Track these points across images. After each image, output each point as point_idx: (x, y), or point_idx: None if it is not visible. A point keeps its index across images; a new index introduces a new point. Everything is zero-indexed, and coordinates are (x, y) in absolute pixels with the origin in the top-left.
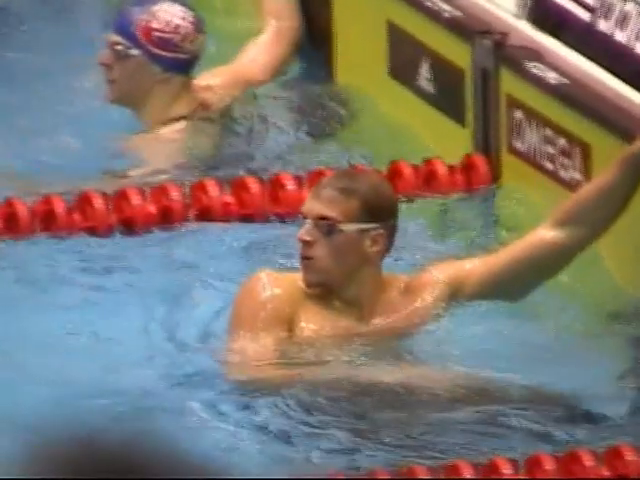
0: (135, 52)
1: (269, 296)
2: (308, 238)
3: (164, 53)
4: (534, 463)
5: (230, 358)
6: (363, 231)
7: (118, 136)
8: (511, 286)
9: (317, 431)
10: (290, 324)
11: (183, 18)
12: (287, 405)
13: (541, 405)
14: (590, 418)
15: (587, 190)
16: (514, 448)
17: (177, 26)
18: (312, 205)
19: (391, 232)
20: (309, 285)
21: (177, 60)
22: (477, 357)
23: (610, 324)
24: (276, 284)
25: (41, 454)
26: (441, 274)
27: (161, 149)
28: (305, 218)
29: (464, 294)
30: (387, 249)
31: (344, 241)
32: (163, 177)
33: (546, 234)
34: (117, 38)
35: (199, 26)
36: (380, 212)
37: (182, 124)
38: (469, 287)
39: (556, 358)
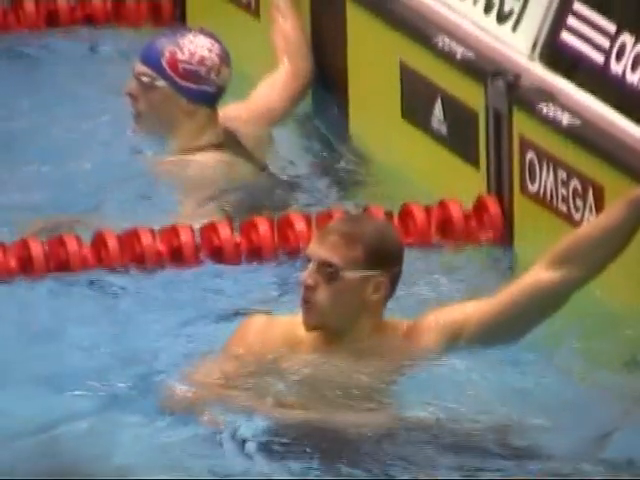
0: (161, 83)
1: (256, 341)
2: (310, 282)
3: (190, 85)
4: None
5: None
6: (365, 278)
7: (151, 159)
8: (509, 327)
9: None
10: (276, 367)
11: (210, 50)
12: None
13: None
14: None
15: (588, 229)
16: None
17: (203, 58)
18: (316, 249)
19: (394, 279)
20: (308, 328)
21: (203, 92)
22: (468, 401)
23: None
24: (268, 328)
25: None
26: (439, 319)
27: (199, 175)
28: (309, 260)
29: (463, 338)
30: (390, 295)
31: (345, 287)
32: (209, 206)
33: (542, 274)
34: (143, 69)
35: (225, 58)
36: (384, 260)
37: (218, 153)
38: (467, 331)
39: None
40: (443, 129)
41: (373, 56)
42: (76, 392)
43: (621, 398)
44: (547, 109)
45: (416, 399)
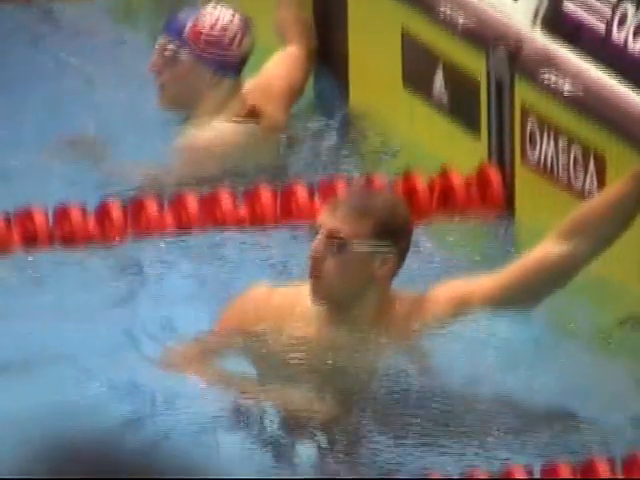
0: (184, 55)
1: (257, 309)
2: (318, 253)
3: (213, 55)
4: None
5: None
6: (373, 252)
7: (174, 133)
8: (517, 302)
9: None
10: (272, 335)
11: (231, 20)
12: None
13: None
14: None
15: (595, 203)
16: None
17: (225, 28)
18: (326, 220)
19: (402, 254)
20: (315, 300)
21: (226, 62)
22: (473, 373)
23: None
24: (270, 299)
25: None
26: (447, 292)
27: (218, 149)
28: (317, 231)
29: (469, 312)
30: (397, 269)
31: (353, 260)
32: (218, 180)
33: (552, 248)
34: (166, 42)
35: (246, 28)
36: (393, 234)
37: (240, 126)
38: (475, 305)
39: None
40: (444, 98)
41: (374, 25)
42: (86, 366)
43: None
44: (549, 77)
45: (420, 372)
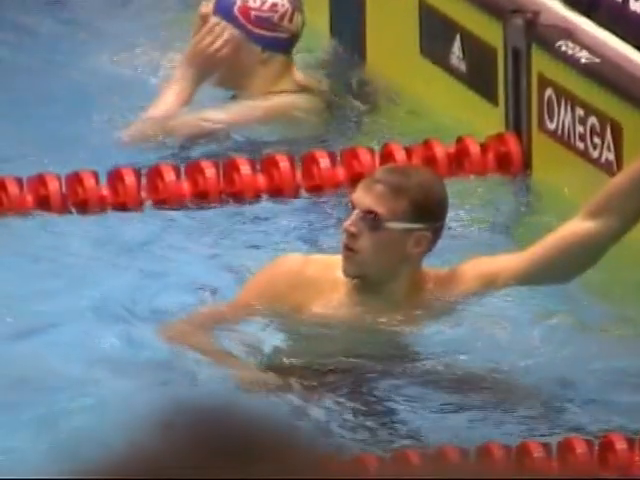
0: (234, 32)
1: (289, 279)
2: (353, 230)
3: (263, 32)
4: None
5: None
6: (408, 231)
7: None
8: (544, 280)
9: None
10: (303, 307)
11: None
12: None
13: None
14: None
15: (618, 180)
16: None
17: (275, 5)
18: (362, 197)
19: (437, 234)
20: (347, 275)
21: (276, 39)
22: (500, 351)
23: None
24: (302, 268)
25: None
26: (475, 270)
27: (275, 118)
28: (353, 208)
29: (497, 290)
30: (430, 249)
31: (388, 238)
32: (271, 148)
33: (578, 226)
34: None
35: (298, 5)
36: (428, 214)
37: (297, 97)
38: (502, 283)
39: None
40: (462, 66)
41: None
42: (94, 330)
43: None
44: (566, 47)
45: (447, 350)
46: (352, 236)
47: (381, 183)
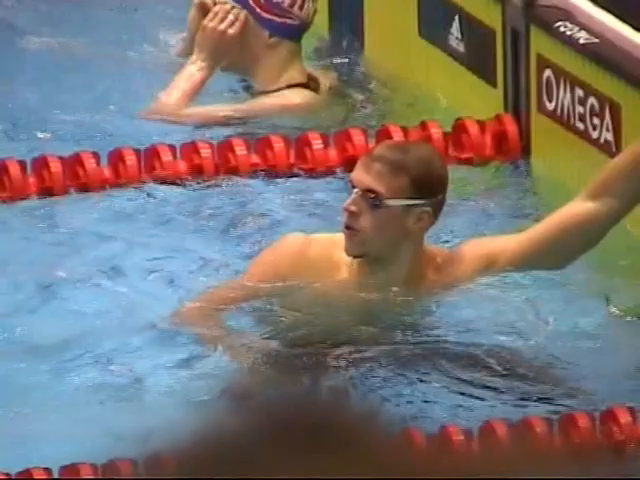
0: (243, 13)
1: (293, 259)
2: (354, 209)
3: (272, 17)
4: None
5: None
6: (409, 208)
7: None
8: (546, 260)
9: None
10: (307, 286)
11: None
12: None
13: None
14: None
15: (618, 161)
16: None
17: None
18: (361, 176)
19: (437, 208)
20: (350, 254)
21: (286, 25)
22: (499, 330)
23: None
24: (304, 248)
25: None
26: (477, 250)
27: (289, 113)
28: (353, 187)
29: (498, 270)
30: (432, 224)
31: (389, 216)
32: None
33: (579, 207)
34: (226, 1)
35: None
36: (428, 189)
37: (307, 92)
38: (502, 264)
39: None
40: (461, 48)
41: None
42: (98, 319)
43: None
44: (564, 27)
45: (449, 329)
46: (353, 215)
47: (380, 161)
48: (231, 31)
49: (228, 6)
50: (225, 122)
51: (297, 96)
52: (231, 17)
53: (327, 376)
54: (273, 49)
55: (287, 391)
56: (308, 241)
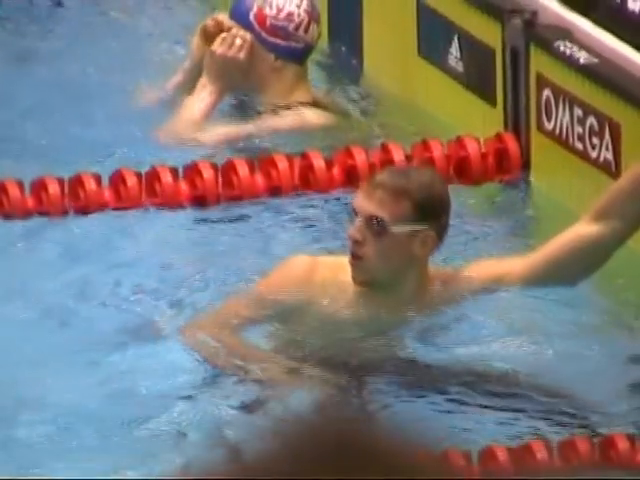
0: (249, 38)
1: (299, 283)
2: (358, 237)
3: (278, 40)
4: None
5: (204, 315)
6: (413, 233)
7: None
8: (548, 283)
9: None
10: (312, 310)
11: (298, 6)
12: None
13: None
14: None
15: (621, 183)
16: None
17: (291, 14)
18: (363, 203)
19: (441, 231)
20: (357, 282)
21: (291, 48)
22: (505, 350)
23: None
24: (311, 271)
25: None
26: (480, 272)
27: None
28: (356, 214)
29: (501, 292)
30: (436, 247)
31: (393, 242)
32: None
33: (582, 230)
34: (232, 24)
35: (314, 15)
36: (431, 213)
37: (321, 112)
38: (507, 286)
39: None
40: (460, 67)
41: None
42: (106, 336)
43: None
44: (564, 47)
45: (453, 350)
46: (357, 243)
47: (381, 187)
48: (240, 56)
49: (235, 30)
50: (247, 140)
51: (315, 115)
52: (239, 42)
53: (335, 396)
54: (279, 72)
55: (314, 409)
56: (314, 263)
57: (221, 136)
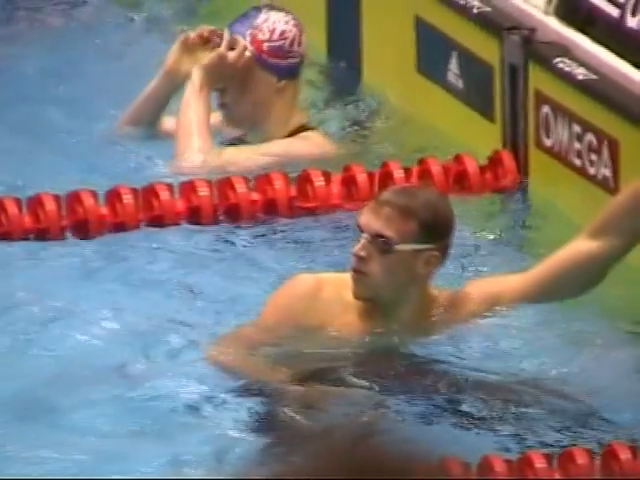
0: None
1: (306, 302)
2: (363, 254)
3: (278, 61)
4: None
5: (223, 340)
6: (418, 252)
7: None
8: (548, 299)
9: None
10: (320, 329)
11: (287, 22)
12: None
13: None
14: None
15: (619, 199)
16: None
17: (283, 32)
18: (370, 221)
19: (445, 251)
20: (357, 297)
21: (291, 65)
22: (509, 369)
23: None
24: (316, 290)
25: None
26: (479, 291)
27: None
28: (361, 231)
29: (502, 309)
30: (439, 267)
31: (398, 261)
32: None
33: (581, 246)
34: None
35: (301, 27)
36: (436, 233)
37: (321, 135)
38: (506, 303)
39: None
40: (459, 83)
41: (388, 10)
42: (104, 356)
43: None
44: (562, 63)
45: (455, 369)
46: (362, 260)
47: (388, 206)
48: (247, 54)
49: (236, 38)
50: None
51: (325, 143)
52: (248, 54)
53: (345, 411)
54: (282, 92)
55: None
56: (319, 281)
57: (249, 166)
